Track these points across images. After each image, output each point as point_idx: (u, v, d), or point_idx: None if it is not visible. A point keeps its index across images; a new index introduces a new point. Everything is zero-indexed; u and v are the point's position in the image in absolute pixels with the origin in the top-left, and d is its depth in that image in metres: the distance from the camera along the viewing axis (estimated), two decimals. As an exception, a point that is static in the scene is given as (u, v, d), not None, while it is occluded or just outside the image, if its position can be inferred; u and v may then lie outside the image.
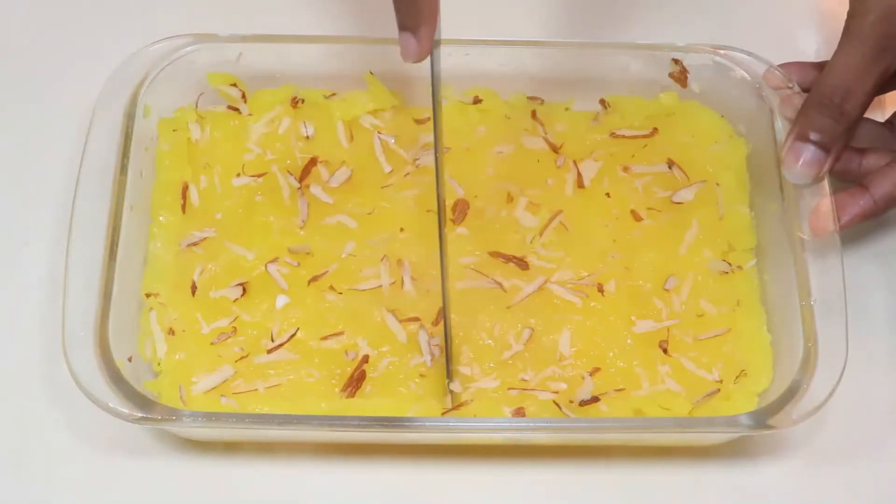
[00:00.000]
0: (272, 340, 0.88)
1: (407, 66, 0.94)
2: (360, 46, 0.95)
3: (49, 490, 0.87)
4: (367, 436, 0.86)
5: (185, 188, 0.93)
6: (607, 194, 0.94)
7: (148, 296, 0.89)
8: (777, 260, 0.89)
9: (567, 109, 0.97)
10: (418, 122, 0.96)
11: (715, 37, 0.97)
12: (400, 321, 0.88)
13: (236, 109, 0.96)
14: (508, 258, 0.91)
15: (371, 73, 0.96)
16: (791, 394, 0.82)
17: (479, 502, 0.87)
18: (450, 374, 0.86)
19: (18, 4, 1.06)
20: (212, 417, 0.82)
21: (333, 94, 0.96)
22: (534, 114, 0.97)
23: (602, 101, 0.97)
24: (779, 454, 0.89)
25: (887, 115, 0.97)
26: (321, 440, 0.88)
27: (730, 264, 0.91)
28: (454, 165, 0.94)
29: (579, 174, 0.94)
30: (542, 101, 0.97)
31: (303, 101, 0.96)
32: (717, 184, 0.94)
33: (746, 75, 0.94)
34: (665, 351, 0.87)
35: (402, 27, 0.79)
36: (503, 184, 0.94)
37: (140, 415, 0.80)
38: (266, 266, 0.90)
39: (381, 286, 0.89)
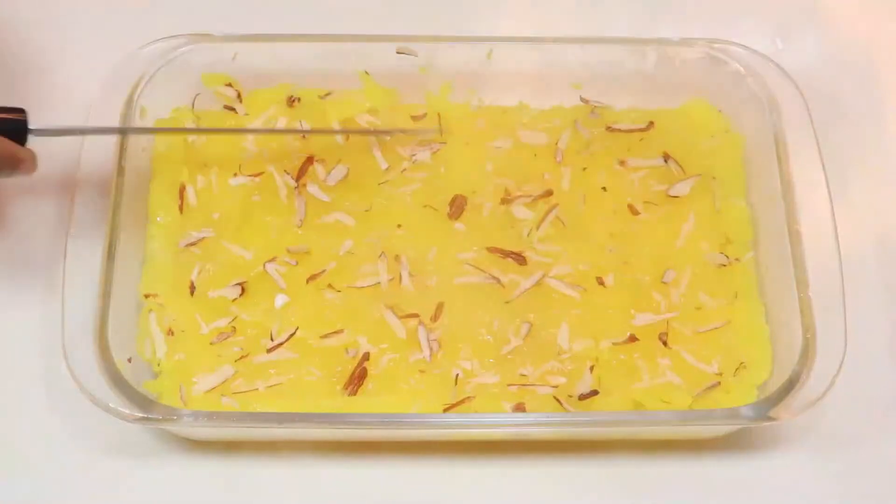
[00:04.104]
0: (272, 340, 0.88)
1: (402, 64, 0.96)
2: (355, 45, 0.96)
3: (49, 490, 0.86)
4: (368, 433, 0.86)
5: (183, 189, 0.93)
6: (604, 188, 0.94)
7: (147, 296, 0.89)
8: (775, 252, 0.89)
9: (563, 104, 0.97)
10: (414, 118, 0.96)
11: (710, 30, 0.98)
12: (399, 317, 0.88)
13: (232, 109, 0.96)
14: (506, 253, 0.91)
15: (366, 71, 0.96)
16: (790, 385, 0.82)
17: (480, 498, 0.88)
18: None
19: (14, 7, 1.06)
20: (212, 417, 0.82)
21: (329, 94, 0.96)
22: (528, 108, 0.97)
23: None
24: (779, 446, 0.89)
25: None
26: (322, 438, 0.88)
27: (727, 257, 0.91)
28: (452, 161, 0.94)
29: (576, 168, 0.94)
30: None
31: (298, 100, 0.96)
32: (714, 177, 0.94)
33: (741, 69, 0.94)
34: (665, 343, 0.88)
35: None
36: (501, 179, 0.94)
37: (140, 415, 0.81)
38: (264, 265, 0.90)
39: (379, 283, 0.89)
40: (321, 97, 0.96)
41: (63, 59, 1.03)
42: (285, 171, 0.94)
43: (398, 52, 0.95)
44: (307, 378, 0.87)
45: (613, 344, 0.88)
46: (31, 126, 0.84)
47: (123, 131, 0.90)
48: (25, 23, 1.05)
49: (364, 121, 0.96)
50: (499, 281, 0.90)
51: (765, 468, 0.88)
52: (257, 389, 0.86)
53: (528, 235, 0.92)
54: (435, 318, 0.89)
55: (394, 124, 0.96)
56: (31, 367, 0.89)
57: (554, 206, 0.93)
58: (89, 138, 0.89)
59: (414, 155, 0.95)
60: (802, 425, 0.89)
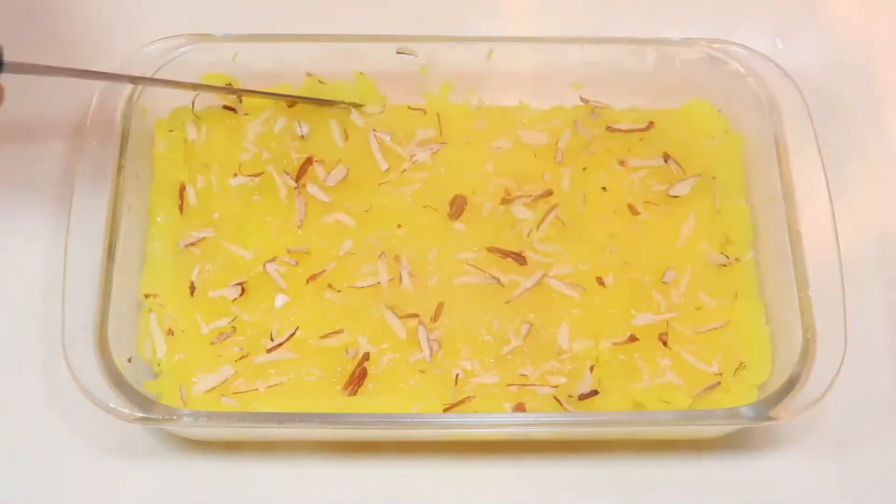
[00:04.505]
0: (272, 340, 0.88)
1: (402, 64, 0.96)
2: (355, 45, 0.95)
3: (49, 490, 0.87)
4: (368, 433, 0.86)
5: (182, 188, 0.93)
6: (604, 188, 0.94)
7: (147, 296, 0.89)
8: (775, 252, 0.89)
9: (563, 104, 0.97)
10: (413, 109, 0.96)
11: (710, 30, 0.98)
12: (399, 317, 0.88)
13: (232, 109, 0.96)
14: (506, 253, 0.91)
15: (361, 73, 0.96)
16: (790, 385, 0.82)
17: (481, 498, 0.88)
18: None
19: (15, 8, 1.06)
20: (212, 417, 0.82)
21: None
22: (528, 108, 0.97)
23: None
24: (778, 446, 0.89)
25: None
26: (322, 438, 0.88)
27: (727, 257, 0.91)
28: (452, 161, 0.94)
29: (576, 168, 0.94)
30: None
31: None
32: (714, 177, 0.94)
33: (741, 69, 0.94)
34: (665, 343, 0.88)
35: None
36: (501, 179, 0.94)
37: (141, 415, 0.81)
38: (264, 265, 0.90)
39: (379, 283, 0.89)
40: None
41: (63, 59, 1.03)
42: (285, 171, 0.94)
43: (398, 52, 0.95)
44: (307, 378, 0.87)
45: (613, 344, 0.88)
46: (5, 59, 0.82)
47: (100, 76, 0.89)
48: (25, 23, 1.05)
49: (363, 121, 0.96)
50: (499, 281, 0.90)
51: (765, 468, 0.88)
52: (257, 389, 0.86)
53: (528, 235, 0.92)
54: (435, 318, 0.89)
55: (392, 124, 0.96)
56: (31, 367, 0.90)
57: (554, 206, 0.93)
58: (87, 138, 0.89)
59: (414, 155, 0.95)
60: (802, 425, 0.89)
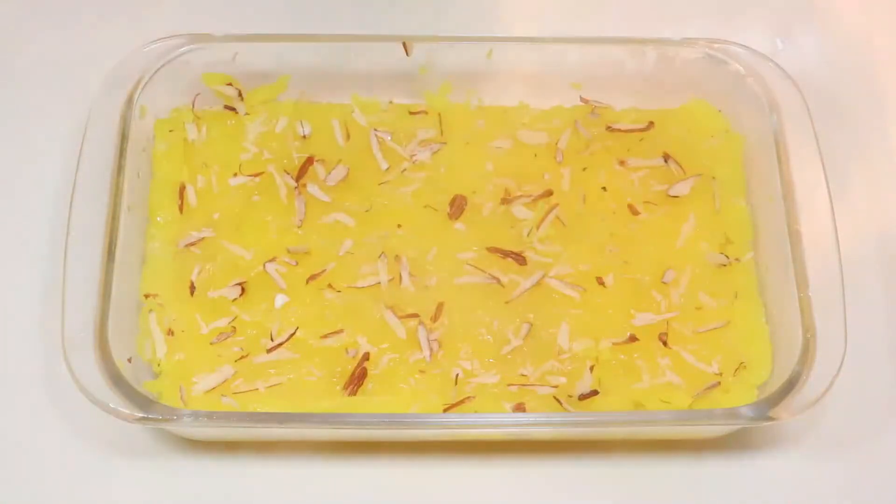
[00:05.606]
0: (272, 340, 0.88)
1: (402, 64, 0.95)
2: (355, 45, 0.95)
3: (49, 490, 0.87)
4: (368, 433, 0.86)
5: (183, 188, 0.93)
6: (604, 188, 0.94)
7: (147, 297, 0.89)
8: (775, 252, 0.89)
9: (563, 104, 0.97)
10: (412, 113, 0.96)
11: (710, 30, 0.98)
12: (399, 318, 0.88)
13: (233, 109, 0.96)
14: (506, 253, 0.91)
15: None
16: (790, 385, 0.82)
17: (481, 498, 0.88)
18: None
19: (13, 7, 1.06)
20: (212, 417, 0.82)
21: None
22: (528, 108, 0.97)
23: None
24: (778, 446, 0.89)
25: None
26: (322, 438, 0.88)
27: (727, 257, 0.91)
28: (452, 161, 0.94)
29: (576, 168, 0.94)
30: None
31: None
32: (714, 177, 0.94)
33: (741, 69, 0.94)
34: (665, 343, 0.88)
35: None
36: (501, 179, 0.94)
37: (141, 415, 0.81)
38: (264, 265, 0.90)
39: (379, 283, 0.89)
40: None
41: (63, 59, 1.03)
42: (285, 171, 0.94)
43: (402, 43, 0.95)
44: (307, 378, 0.87)
45: (613, 344, 0.88)
46: None
47: None
48: (25, 23, 1.05)
49: (364, 120, 0.96)
50: (499, 281, 0.90)
51: (765, 468, 0.88)
52: (257, 389, 0.86)
53: (528, 235, 0.92)
54: (435, 318, 0.89)
55: (392, 123, 0.96)
56: (31, 367, 0.90)
57: (554, 206, 0.93)
58: (87, 138, 0.89)
59: (414, 155, 0.95)
60: (802, 425, 0.89)
